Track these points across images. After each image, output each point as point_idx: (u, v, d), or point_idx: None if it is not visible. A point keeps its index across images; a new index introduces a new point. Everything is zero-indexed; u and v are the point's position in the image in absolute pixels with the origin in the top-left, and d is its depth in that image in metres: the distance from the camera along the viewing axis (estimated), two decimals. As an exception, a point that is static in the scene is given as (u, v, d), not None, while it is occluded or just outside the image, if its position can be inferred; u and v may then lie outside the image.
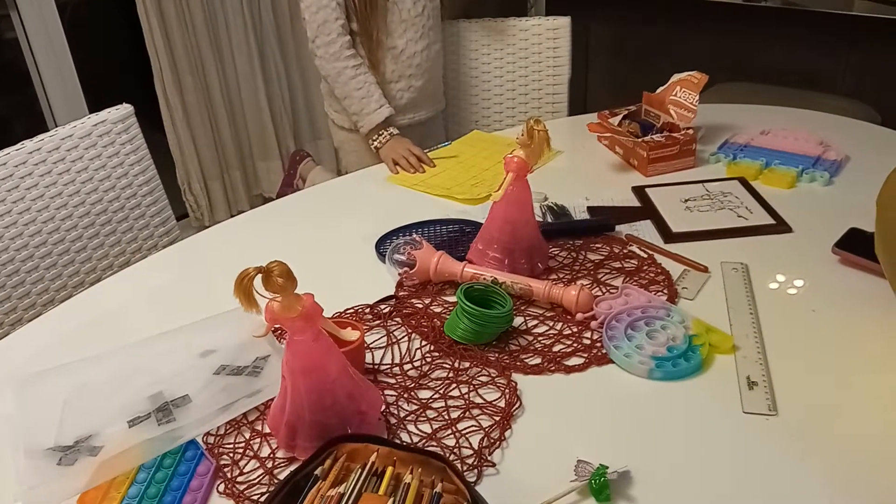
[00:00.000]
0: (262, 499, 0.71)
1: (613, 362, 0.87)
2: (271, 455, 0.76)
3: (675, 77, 1.43)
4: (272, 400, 0.78)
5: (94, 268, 1.32)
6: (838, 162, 1.30)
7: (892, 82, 2.27)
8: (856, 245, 1.01)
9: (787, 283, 0.99)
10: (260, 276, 0.64)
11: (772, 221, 1.13)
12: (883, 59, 2.28)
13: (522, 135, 0.96)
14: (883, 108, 2.22)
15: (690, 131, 1.35)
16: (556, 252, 1.10)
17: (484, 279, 0.98)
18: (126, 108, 1.34)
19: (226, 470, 0.75)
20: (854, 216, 1.08)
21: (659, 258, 1.06)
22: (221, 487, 0.73)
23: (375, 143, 1.57)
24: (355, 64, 1.59)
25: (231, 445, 0.78)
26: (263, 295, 0.66)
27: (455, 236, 1.17)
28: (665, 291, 0.98)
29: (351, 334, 0.80)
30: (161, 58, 2.50)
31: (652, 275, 1.03)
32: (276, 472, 0.74)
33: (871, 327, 0.89)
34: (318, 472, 0.68)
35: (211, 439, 0.79)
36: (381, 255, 1.11)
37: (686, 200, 1.21)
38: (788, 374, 0.83)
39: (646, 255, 1.07)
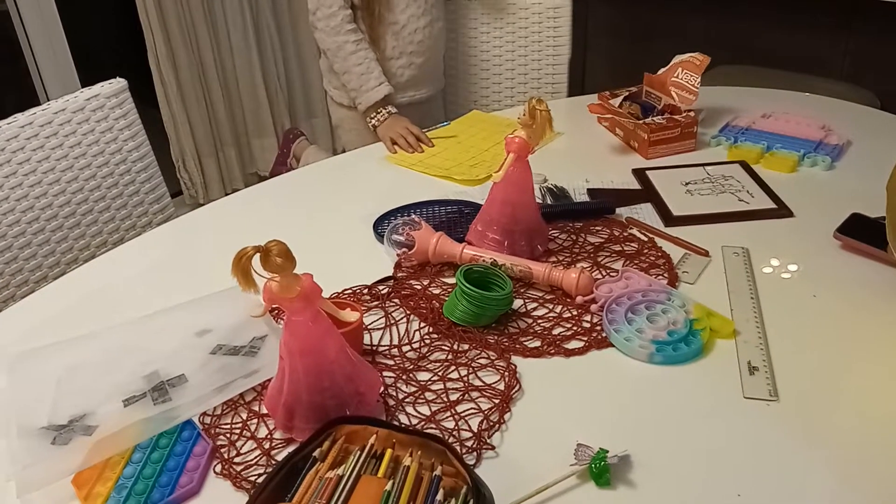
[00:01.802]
0: (260, 480, 0.70)
1: (613, 346, 0.86)
2: (269, 436, 0.76)
3: (678, 58, 1.41)
4: (269, 381, 0.77)
5: (88, 244, 1.30)
6: (840, 147, 1.29)
7: (892, 67, 2.26)
8: (857, 230, 1.00)
9: (788, 268, 0.98)
10: (258, 255, 0.63)
11: (773, 206, 1.12)
12: (882, 43, 2.26)
13: (524, 115, 0.94)
14: (882, 92, 2.21)
15: (692, 114, 1.33)
16: (555, 234, 1.09)
17: (483, 261, 0.97)
18: (120, 83, 1.32)
19: (223, 450, 0.74)
20: (856, 201, 1.07)
21: (659, 241, 1.06)
22: (218, 468, 0.72)
23: (373, 121, 1.55)
24: (356, 39, 1.57)
25: (228, 426, 0.77)
26: (262, 274, 0.65)
27: (454, 217, 1.16)
28: (665, 275, 0.98)
29: (350, 315, 0.79)
30: (155, 32, 2.46)
31: (652, 258, 1.02)
32: (273, 453, 0.74)
33: (873, 313, 0.89)
34: (316, 453, 0.67)
35: (207, 420, 0.78)
36: (380, 235, 1.10)
37: (687, 184, 1.20)
38: (789, 359, 0.82)
39: (646, 239, 1.06)
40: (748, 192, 1.16)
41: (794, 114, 1.42)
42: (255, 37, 2.71)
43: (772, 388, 0.78)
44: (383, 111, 1.53)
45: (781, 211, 1.11)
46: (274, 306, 0.80)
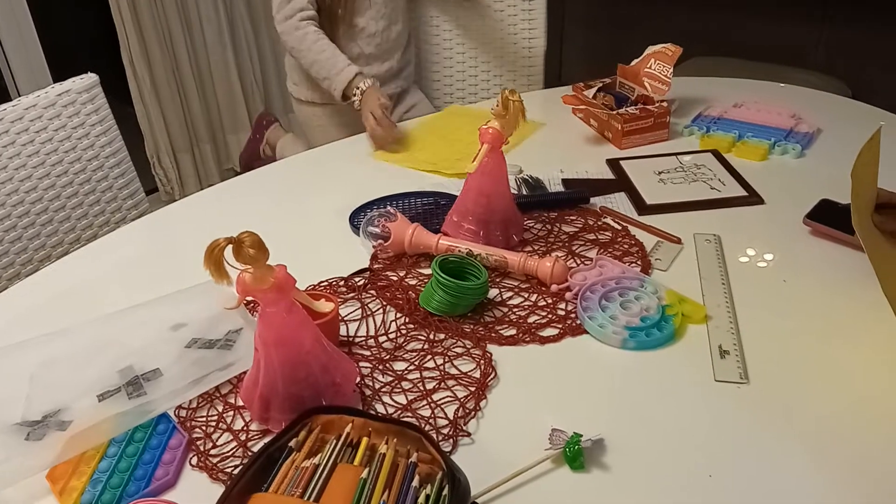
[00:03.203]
0: (236, 471, 0.70)
1: (588, 333, 0.87)
2: (245, 428, 0.76)
3: (650, 49, 1.42)
4: (245, 373, 0.77)
5: (62, 241, 1.29)
6: (810, 135, 1.31)
7: (863, 57, 2.29)
8: (827, 216, 1.02)
9: (758, 254, 1.00)
10: (231, 247, 0.63)
11: (744, 193, 1.14)
12: (854, 34, 2.30)
13: (497, 106, 0.95)
14: (854, 82, 2.24)
15: (664, 104, 1.35)
16: (531, 224, 1.10)
17: (459, 251, 0.98)
18: (91, 78, 1.30)
19: (198, 443, 0.74)
20: (825, 188, 1.09)
21: (633, 230, 1.07)
22: (194, 460, 0.72)
23: (355, 104, 1.53)
24: (316, 30, 1.57)
25: (204, 419, 0.77)
26: (235, 266, 0.65)
27: (430, 209, 1.16)
28: (639, 263, 0.99)
29: (325, 306, 0.79)
30: (127, 27, 2.44)
31: (626, 246, 1.03)
32: (249, 444, 0.74)
33: (842, 297, 0.90)
34: (292, 443, 0.67)
35: (183, 413, 0.78)
36: (356, 227, 1.10)
37: (660, 173, 1.21)
38: (760, 343, 0.84)
39: (620, 227, 1.08)
40: (720, 180, 1.18)
41: (764, 103, 1.44)
42: (229, 31, 2.69)
43: (742, 372, 0.79)
44: (357, 90, 1.51)
45: (752, 198, 1.12)
46: (250, 299, 0.80)
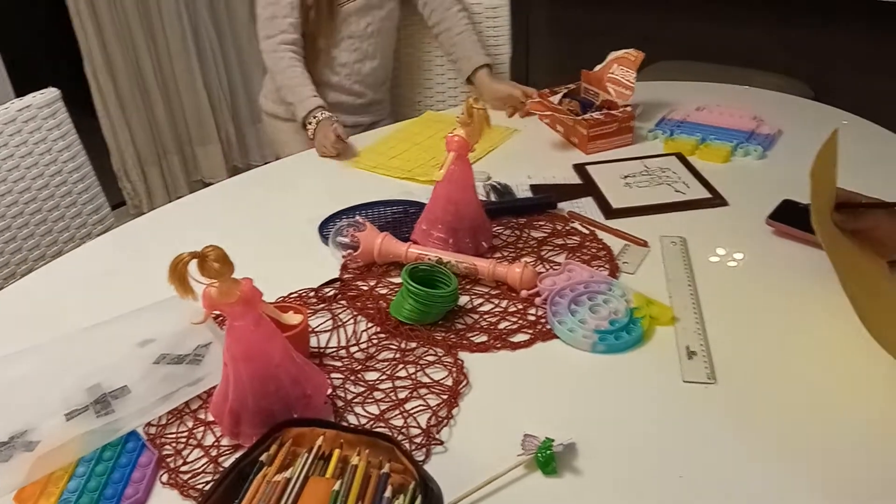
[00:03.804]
0: (207, 488, 0.69)
1: (558, 337, 0.88)
2: (216, 443, 0.75)
3: (613, 55, 1.44)
4: (215, 388, 0.76)
5: (26, 258, 1.27)
6: (771, 136, 1.33)
7: (825, 59, 2.34)
8: (789, 216, 1.04)
9: (723, 255, 1.01)
10: (195, 261, 0.62)
11: (708, 195, 1.15)
12: (816, 36, 2.35)
13: (462, 114, 0.95)
14: (816, 84, 2.29)
15: (629, 108, 1.37)
16: (499, 231, 1.10)
17: (429, 259, 0.98)
18: (52, 92, 1.29)
19: (169, 460, 0.73)
20: (787, 188, 1.11)
21: (600, 234, 1.08)
22: (165, 478, 0.71)
23: (309, 131, 1.55)
24: (293, 56, 1.60)
25: (174, 435, 0.76)
26: (200, 281, 0.64)
27: (399, 217, 1.16)
28: (607, 266, 1.00)
29: (293, 318, 0.79)
30: (90, 39, 2.41)
31: (594, 250, 1.04)
32: (220, 460, 0.73)
33: (805, 295, 0.92)
34: (263, 457, 0.67)
35: (152, 430, 0.77)
36: (325, 238, 1.09)
37: (626, 177, 1.23)
38: (727, 343, 0.85)
39: (587, 232, 1.09)
40: (684, 182, 1.19)
41: (726, 106, 1.46)
42: (193, 42, 2.67)
43: (709, 372, 0.81)
44: (314, 119, 1.53)
45: (716, 200, 1.14)
46: (217, 313, 0.80)
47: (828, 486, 0.67)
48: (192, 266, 0.63)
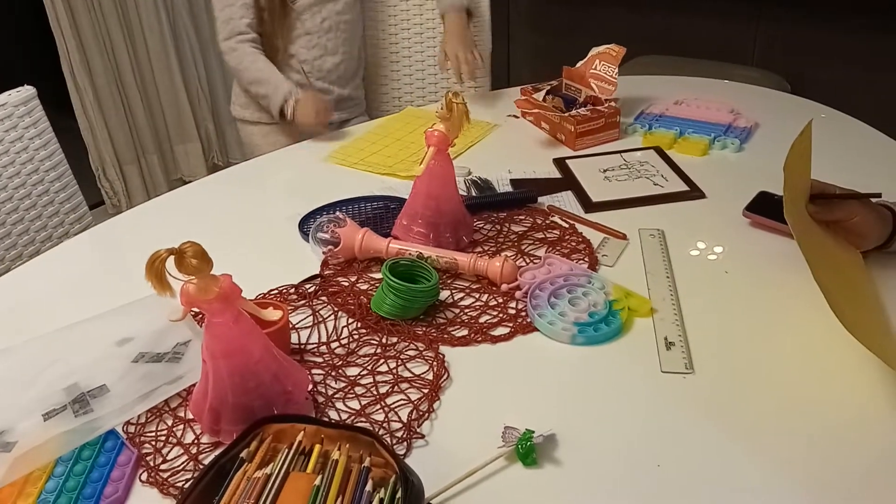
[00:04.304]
0: (187, 485, 0.69)
1: (538, 330, 0.88)
2: (195, 441, 0.75)
3: (594, 50, 1.45)
4: (194, 385, 0.76)
5: (2, 258, 1.25)
6: (748, 129, 1.35)
7: (801, 52, 2.37)
8: (765, 208, 1.05)
9: (701, 247, 1.02)
10: (173, 257, 0.62)
11: (686, 188, 1.16)
12: (793, 29, 2.37)
13: (442, 108, 0.95)
14: (792, 76, 2.32)
15: (614, 104, 1.37)
16: (480, 225, 1.11)
17: (409, 254, 0.98)
18: (28, 91, 1.27)
19: (148, 458, 0.73)
20: (763, 180, 1.13)
21: (580, 227, 1.09)
22: (144, 476, 0.71)
23: (288, 113, 1.55)
24: (254, 49, 1.61)
25: (153, 433, 0.76)
26: (178, 278, 0.64)
27: (380, 213, 1.16)
28: (586, 259, 1.01)
29: (272, 314, 0.79)
30: (67, 38, 2.38)
31: (573, 244, 1.05)
32: (200, 457, 0.73)
33: (781, 286, 0.93)
34: (243, 454, 0.67)
35: (132, 428, 0.76)
36: (305, 234, 1.09)
37: (605, 170, 1.24)
38: (704, 333, 0.86)
39: (567, 225, 1.09)
40: (662, 176, 1.20)
41: (704, 100, 1.48)
42: (172, 40, 2.65)
43: (687, 362, 0.81)
44: (291, 99, 1.53)
45: (694, 193, 1.15)
46: (197, 310, 0.79)
47: (804, 474, 0.68)
48: (171, 263, 0.63)
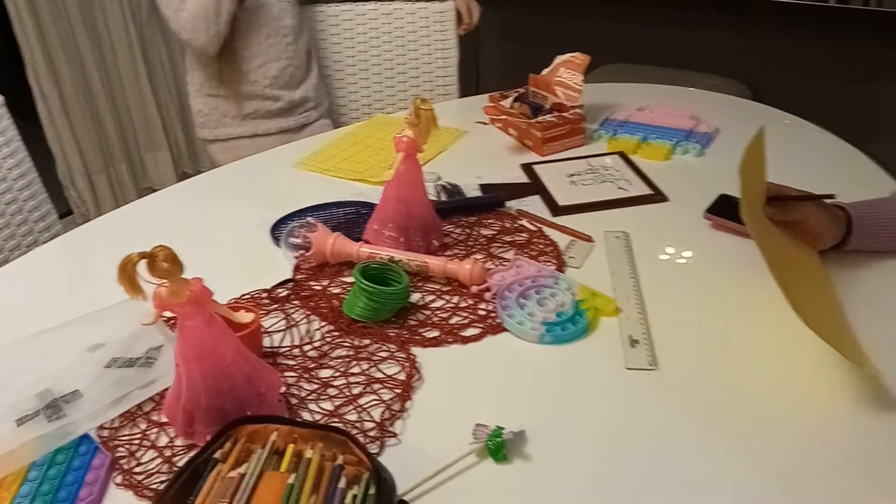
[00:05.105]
0: (162, 487, 0.70)
1: (507, 330, 0.90)
2: (170, 444, 0.75)
3: (559, 59, 1.48)
4: (167, 389, 0.77)
5: (-31, 268, 1.24)
6: (709, 134, 1.39)
7: (762, 60, 2.43)
8: (725, 210, 1.09)
9: (664, 249, 1.05)
10: (144, 261, 0.63)
11: (649, 192, 1.20)
12: (754, 37, 2.43)
13: (410, 115, 0.97)
14: (754, 84, 2.38)
15: (579, 111, 1.40)
16: (450, 229, 1.13)
17: (380, 258, 1.00)
18: (-5, 98, 1.27)
19: (122, 462, 0.73)
20: (724, 183, 1.16)
21: (547, 231, 1.11)
22: (119, 479, 0.71)
23: None
24: None
25: (127, 437, 0.76)
26: (150, 281, 0.65)
27: (352, 218, 1.18)
28: (554, 261, 1.03)
29: (245, 317, 0.80)
30: (32, 45, 2.36)
31: (541, 246, 1.07)
32: (175, 460, 0.74)
33: (741, 284, 0.97)
34: (217, 455, 0.68)
35: (105, 433, 0.77)
36: (277, 240, 1.10)
37: (571, 175, 1.27)
38: (668, 332, 0.89)
39: (535, 229, 1.12)
40: (626, 180, 1.24)
41: (667, 106, 1.52)
42: (140, 47, 2.63)
43: (651, 359, 0.84)
44: None
45: (657, 196, 1.19)
46: (170, 315, 0.80)
47: (768, 465, 0.71)
48: (143, 267, 0.64)
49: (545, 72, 1.49)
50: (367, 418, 0.78)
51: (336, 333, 0.91)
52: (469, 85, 1.68)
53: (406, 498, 0.68)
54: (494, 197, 1.19)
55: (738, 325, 0.90)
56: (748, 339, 0.87)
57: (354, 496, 0.64)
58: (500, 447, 0.72)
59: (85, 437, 0.75)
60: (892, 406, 0.77)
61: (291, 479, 0.64)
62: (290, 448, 0.68)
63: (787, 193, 0.96)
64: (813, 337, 0.74)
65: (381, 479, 0.65)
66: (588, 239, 1.08)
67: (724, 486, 0.69)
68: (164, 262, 0.63)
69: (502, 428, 0.73)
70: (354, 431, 0.76)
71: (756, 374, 0.82)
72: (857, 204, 0.98)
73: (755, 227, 0.84)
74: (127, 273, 0.62)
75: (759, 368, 0.83)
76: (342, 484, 0.65)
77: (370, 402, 0.80)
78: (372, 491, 0.64)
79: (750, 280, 0.97)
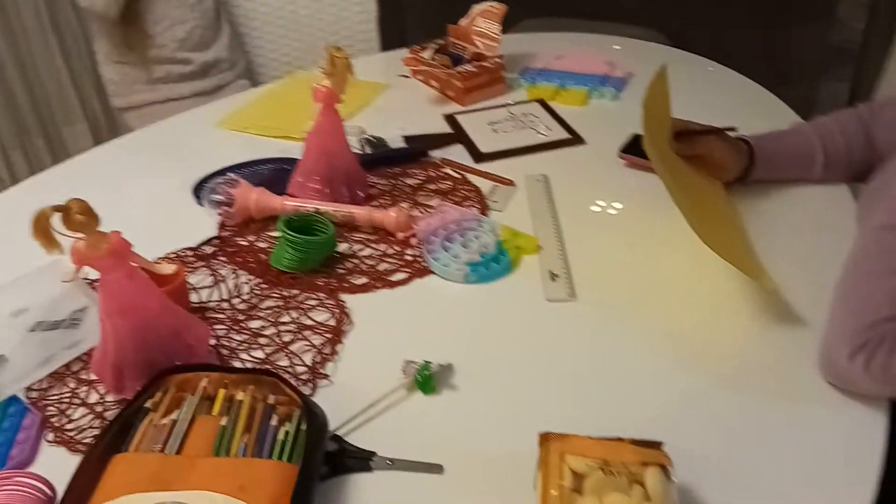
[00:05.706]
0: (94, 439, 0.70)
1: (434, 273, 0.93)
2: (101, 400, 0.76)
3: (476, 8, 1.49)
4: (94, 348, 0.77)
5: None
6: (623, 79, 1.43)
7: (683, 11, 2.48)
8: (637, 149, 1.13)
9: (582, 189, 1.09)
10: (59, 215, 0.62)
11: (568, 136, 1.23)
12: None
13: (325, 65, 0.97)
14: (674, 35, 2.43)
15: (499, 60, 1.42)
16: (375, 181, 1.14)
17: (306, 210, 1.00)
18: None
19: (53, 420, 0.73)
20: (638, 125, 1.18)
21: (471, 177, 1.14)
22: (51, 437, 0.72)
23: None
24: None
25: (56, 397, 0.76)
26: (67, 235, 0.64)
27: (277, 174, 1.17)
28: (477, 206, 1.06)
29: (167, 268, 0.80)
30: (-71, 16, 2.23)
31: (465, 193, 1.10)
32: (107, 415, 0.74)
33: (654, 217, 1.01)
34: (148, 404, 0.68)
35: (35, 394, 0.76)
36: (200, 199, 1.09)
37: (492, 123, 1.29)
38: (586, 265, 0.93)
39: (459, 176, 1.14)
40: (546, 126, 1.27)
41: (583, 54, 1.55)
42: (48, 15, 2.51)
43: (570, 291, 0.88)
44: None
45: (574, 140, 1.23)
46: (94, 278, 0.79)
47: (680, 380, 0.76)
48: (59, 224, 0.63)
49: (463, 22, 1.50)
50: (299, 363, 0.80)
51: (265, 286, 0.92)
52: (393, 39, 1.67)
53: (339, 433, 0.71)
54: (418, 147, 1.21)
55: (652, 256, 0.95)
56: (661, 268, 0.92)
57: (287, 433, 0.66)
58: (428, 380, 0.75)
59: (13, 399, 0.74)
60: (789, 315, 0.83)
61: (224, 422, 0.66)
62: (222, 393, 0.70)
63: (693, 128, 1.00)
64: (718, 259, 0.79)
65: (313, 415, 0.67)
66: (510, 183, 1.11)
67: (639, 402, 0.74)
68: (79, 213, 0.62)
69: (430, 362, 0.76)
70: (287, 376, 0.78)
71: (667, 297, 0.87)
72: (759, 136, 1.04)
73: (657, 158, 0.88)
74: (41, 226, 0.61)
75: (670, 292, 0.88)
76: (274, 422, 0.67)
77: (301, 347, 0.82)
78: (304, 427, 0.66)
79: (662, 213, 1.01)
